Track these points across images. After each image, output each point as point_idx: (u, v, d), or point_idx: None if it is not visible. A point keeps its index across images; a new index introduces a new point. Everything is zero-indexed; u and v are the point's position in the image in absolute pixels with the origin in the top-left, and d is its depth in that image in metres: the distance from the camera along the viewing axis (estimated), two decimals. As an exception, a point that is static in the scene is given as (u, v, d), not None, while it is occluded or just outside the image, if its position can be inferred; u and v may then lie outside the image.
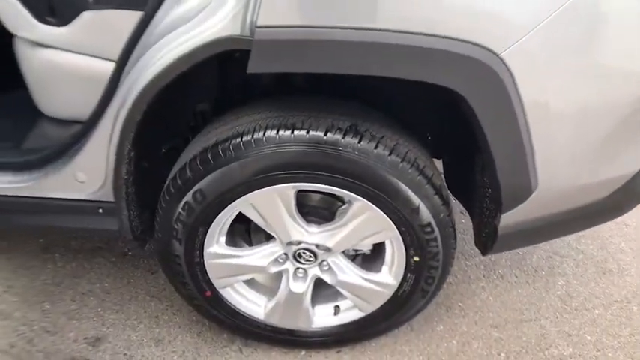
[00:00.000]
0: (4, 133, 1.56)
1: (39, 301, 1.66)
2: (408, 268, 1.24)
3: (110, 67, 1.21)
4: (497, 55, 0.96)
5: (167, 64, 1.00)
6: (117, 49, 1.16)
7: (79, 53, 1.30)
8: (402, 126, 1.23)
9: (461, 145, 1.32)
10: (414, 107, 1.30)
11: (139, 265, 1.77)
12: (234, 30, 0.95)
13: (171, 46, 1.00)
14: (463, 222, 1.92)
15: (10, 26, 1.32)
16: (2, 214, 1.42)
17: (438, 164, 1.46)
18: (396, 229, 1.17)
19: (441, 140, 1.43)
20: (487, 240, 1.27)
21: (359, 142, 1.08)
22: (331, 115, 1.11)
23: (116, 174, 1.20)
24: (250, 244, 1.41)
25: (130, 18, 1.17)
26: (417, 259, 1.22)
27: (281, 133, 1.08)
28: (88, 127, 1.21)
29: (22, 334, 1.56)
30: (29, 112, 1.52)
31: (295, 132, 1.08)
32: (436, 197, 1.16)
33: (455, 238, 1.25)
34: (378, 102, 1.25)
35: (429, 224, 1.16)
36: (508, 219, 1.19)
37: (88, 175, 1.25)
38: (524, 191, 1.14)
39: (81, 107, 1.38)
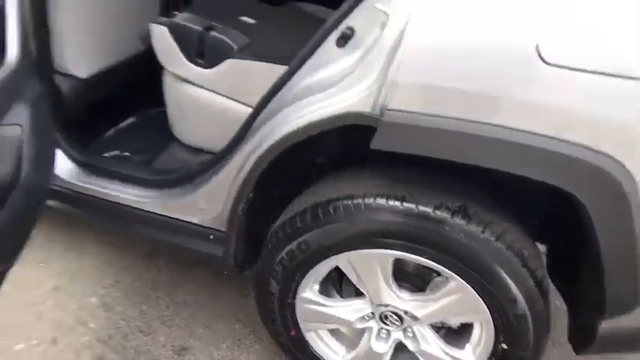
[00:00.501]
0: (139, 148, 1.74)
1: (138, 301, 1.81)
2: (494, 353, 1.23)
3: (245, 110, 1.33)
4: (622, 164, 0.95)
5: (301, 126, 1.08)
6: (253, 97, 1.28)
7: (219, 94, 1.43)
8: (509, 210, 1.23)
9: (569, 238, 1.29)
10: (524, 193, 1.29)
11: (232, 286, 1.88)
12: (366, 107, 1.02)
13: (307, 110, 1.08)
14: (557, 303, 1.84)
15: (163, 61, 1.49)
16: (125, 221, 1.58)
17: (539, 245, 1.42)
18: (488, 313, 1.17)
19: (548, 227, 1.40)
20: (583, 340, 1.23)
21: (467, 224, 1.09)
22: (442, 193, 1.14)
23: (233, 208, 1.30)
24: (340, 293, 1.45)
25: (270, 71, 1.28)
26: (505, 347, 1.20)
27: (390, 202, 1.12)
28: (216, 161, 1.33)
29: (119, 328, 1.71)
30: (163, 133, 1.69)
31: (405, 204, 1.11)
32: (535, 289, 1.14)
33: (548, 331, 1.22)
34: (487, 183, 1.26)
35: (524, 315, 1.15)
36: (610, 323, 1.14)
37: (208, 203, 1.37)
38: (631, 301, 1.09)
39: (212, 140, 1.52)
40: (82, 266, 1.93)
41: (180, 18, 1.42)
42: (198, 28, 1.38)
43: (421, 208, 1.11)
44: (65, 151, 1.57)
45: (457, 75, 0.97)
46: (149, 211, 1.50)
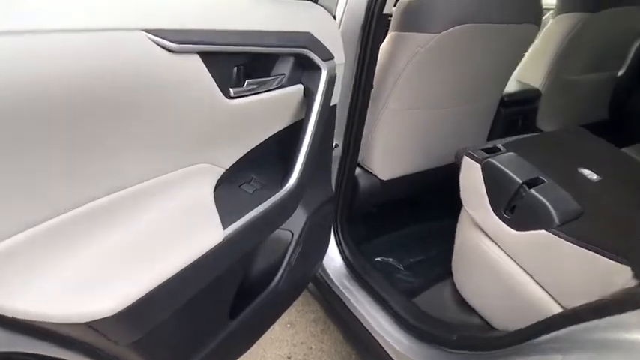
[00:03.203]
0: (412, 266, 1.57)
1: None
2: None
3: (542, 299, 1.01)
4: None
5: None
6: (561, 288, 0.94)
7: (516, 262, 1.13)
8: None
9: None
10: None
11: None
12: None
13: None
14: None
15: (464, 198, 1.27)
16: (363, 345, 1.42)
17: None
18: None
19: None
20: None
21: None
22: None
23: None
24: None
25: (593, 265, 0.92)
26: None
27: None
28: (480, 348, 1.04)
29: None
30: (445, 259, 1.47)
31: None
32: None
33: None
34: None
35: None
36: None
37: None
38: None
39: (488, 308, 1.23)
40: (319, 347, 1.87)
41: (502, 159, 1.16)
42: (517, 180, 1.10)
43: None
44: (339, 244, 1.51)
45: None
46: (388, 353, 1.30)
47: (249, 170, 0.91)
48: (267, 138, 0.90)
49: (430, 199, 1.74)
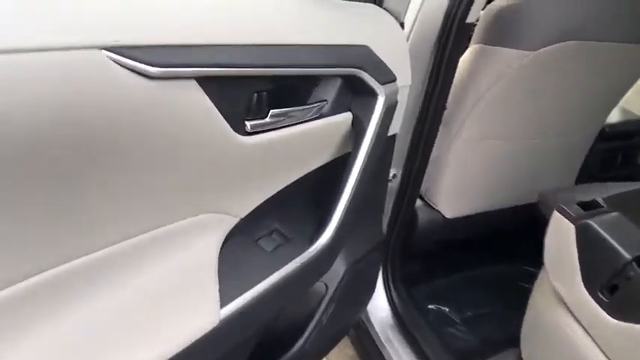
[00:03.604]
0: (471, 323, 1.33)
1: None
2: None
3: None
4: None
5: None
6: None
7: (605, 355, 0.87)
8: None
9: None
10: None
11: None
12: None
13: None
14: None
15: (549, 264, 1.02)
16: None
17: None
18: None
19: None
20: None
21: None
22: None
23: None
24: None
25: None
26: None
27: None
28: None
29: None
30: (514, 320, 1.22)
31: None
32: None
33: None
34: None
35: None
36: None
37: None
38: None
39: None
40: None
41: (604, 222, 0.90)
42: (625, 255, 0.83)
43: None
44: (387, 288, 1.30)
45: None
46: None
47: (272, 218, 0.71)
48: (297, 178, 0.70)
49: (501, 241, 1.48)
